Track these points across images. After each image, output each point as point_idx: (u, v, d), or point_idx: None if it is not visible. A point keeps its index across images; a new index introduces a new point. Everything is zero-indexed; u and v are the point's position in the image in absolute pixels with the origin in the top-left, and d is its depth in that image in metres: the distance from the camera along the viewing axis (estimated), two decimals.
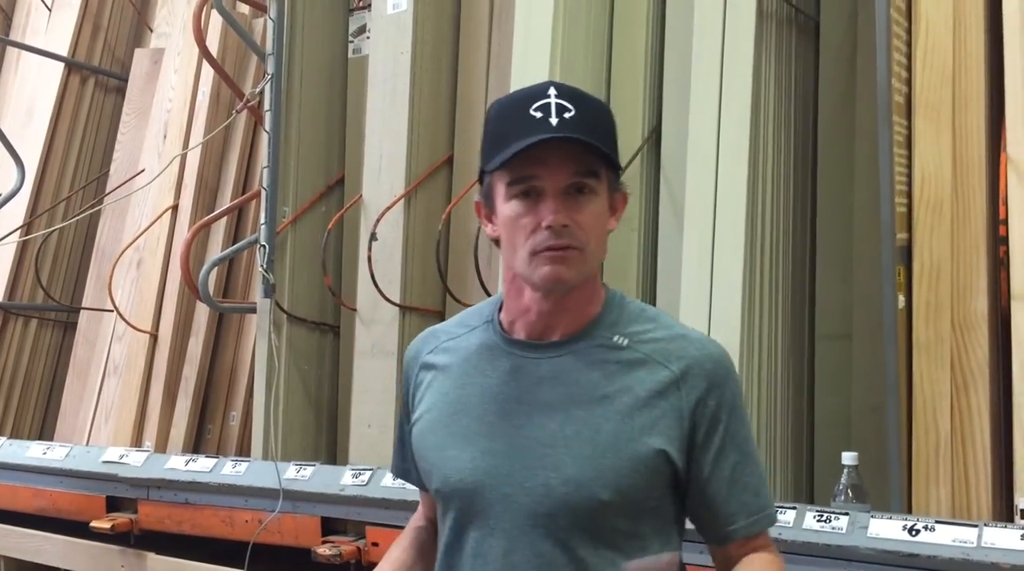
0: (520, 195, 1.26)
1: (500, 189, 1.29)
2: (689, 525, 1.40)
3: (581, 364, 1.31)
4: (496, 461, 1.30)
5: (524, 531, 1.28)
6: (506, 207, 1.28)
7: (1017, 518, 2.13)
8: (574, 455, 1.27)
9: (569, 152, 1.24)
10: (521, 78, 2.91)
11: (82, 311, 4.36)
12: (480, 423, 1.33)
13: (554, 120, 1.23)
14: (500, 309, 1.40)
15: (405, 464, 1.52)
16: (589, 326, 1.34)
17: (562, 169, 1.25)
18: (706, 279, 2.55)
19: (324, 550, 2.67)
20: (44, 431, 4.48)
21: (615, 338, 1.33)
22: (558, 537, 1.27)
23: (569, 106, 1.25)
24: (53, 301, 4.47)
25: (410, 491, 2.57)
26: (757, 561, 1.34)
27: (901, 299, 2.28)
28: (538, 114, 1.24)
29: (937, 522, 1.99)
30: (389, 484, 2.66)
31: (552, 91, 1.26)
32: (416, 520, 1.58)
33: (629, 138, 2.94)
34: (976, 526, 1.95)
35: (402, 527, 2.53)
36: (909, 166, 2.35)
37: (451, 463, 1.34)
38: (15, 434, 4.29)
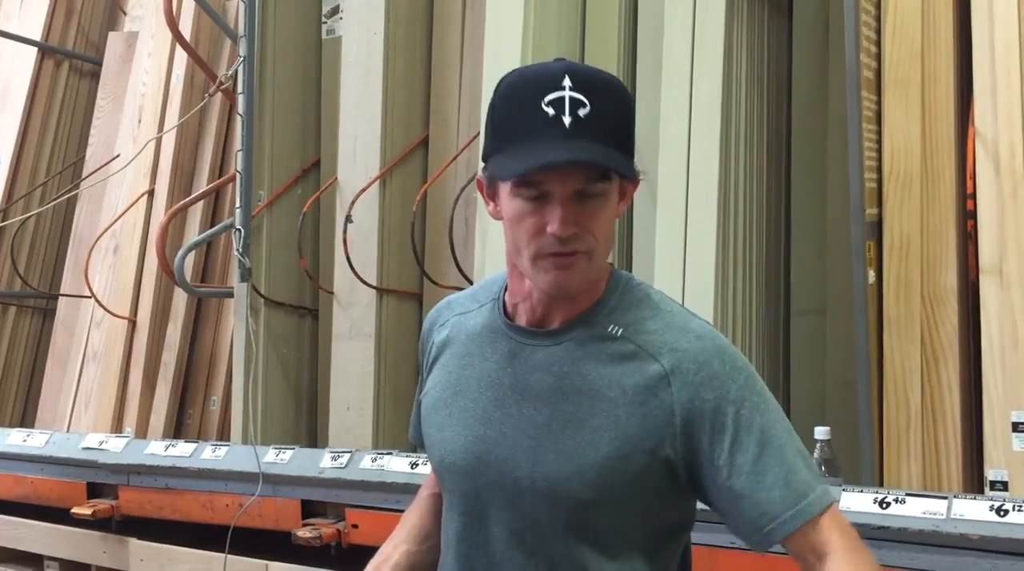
0: (525, 194, 1.20)
1: (504, 185, 1.23)
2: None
3: (574, 355, 1.27)
4: (486, 448, 1.29)
5: (508, 520, 1.28)
6: (511, 203, 1.22)
7: (987, 490, 2.16)
8: (557, 451, 1.23)
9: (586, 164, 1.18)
10: (494, 59, 2.90)
11: (60, 298, 4.34)
12: (475, 407, 1.32)
13: (567, 119, 1.16)
14: (507, 287, 1.36)
15: (415, 431, 1.50)
16: (587, 313, 1.28)
17: (573, 176, 1.17)
18: (679, 256, 2.55)
19: (304, 533, 2.67)
20: (25, 418, 4.46)
21: (610, 328, 1.27)
22: (540, 530, 1.26)
23: (584, 99, 1.17)
24: (30, 288, 4.45)
25: (388, 473, 2.62)
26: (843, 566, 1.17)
27: (871, 274, 2.29)
28: (550, 111, 1.17)
29: (907, 494, 2.00)
30: (368, 466, 2.67)
31: (567, 82, 1.18)
32: (430, 487, 1.54)
33: None
34: (946, 498, 1.96)
35: (381, 509, 2.61)
36: (879, 142, 2.36)
37: (447, 444, 1.33)
38: None
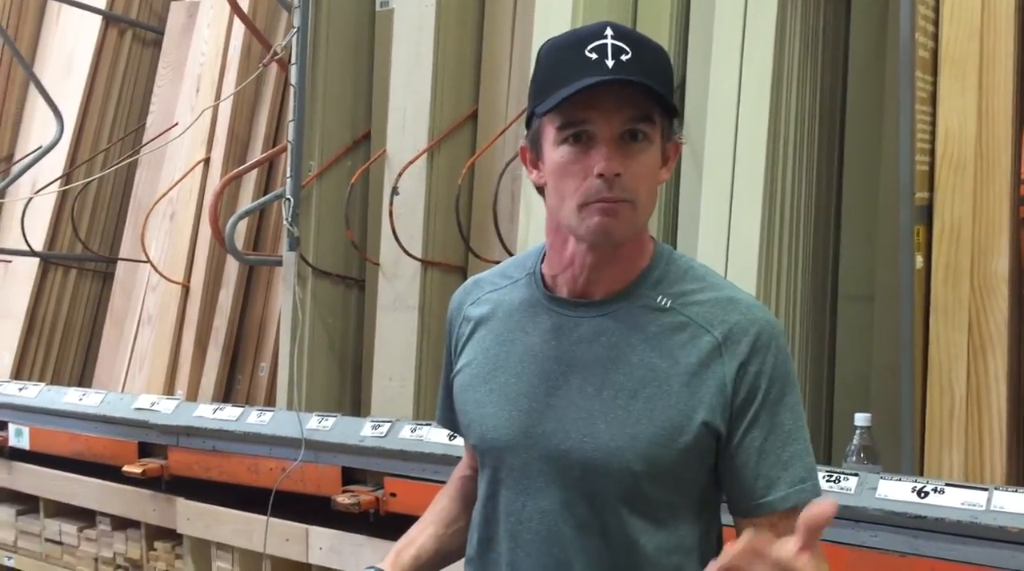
0: (571, 140, 1.20)
1: (549, 133, 1.22)
2: None
3: (622, 326, 1.26)
4: (532, 421, 1.29)
5: (558, 493, 1.27)
6: (555, 153, 1.21)
7: None
8: (608, 421, 1.24)
9: (624, 96, 1.18)
10: (544, 30, 2.88)
11: (119, 261, 4.45)
12: (519, 381, 1.31)
13: (610, 62, 1.17)
14: (543, 260, 1.36)
15: (449, 414, 1.49)
16: (633, 284, 1.29)
17: (617, 114, 1.18)
18: (723, 234, 2.52)
19: (344, 499, 2.72)
20: (84, 378, 4.60)
21: (659, 299, 1.27)
22: (591, 502, 1.26)
23: (626, 47, 1.18)
24: (91, 252, 4.56)
25: (427, 444, 2.64)
26: None
27: (920, 259, 2.24)
28: (593, 55, 1.17)
29: (947, 485, 1.96)
30: (407, 436, 2.70)
31: (609, 32, 1.19)
32: (462, 470, 1.56)
33: None
34: (986, 489, 1.92)
35: (419, 479, 2.64)
36: (933, 124, 2.29)
37: (489, 420, 1.33)
38: (55, 381, 4.41)
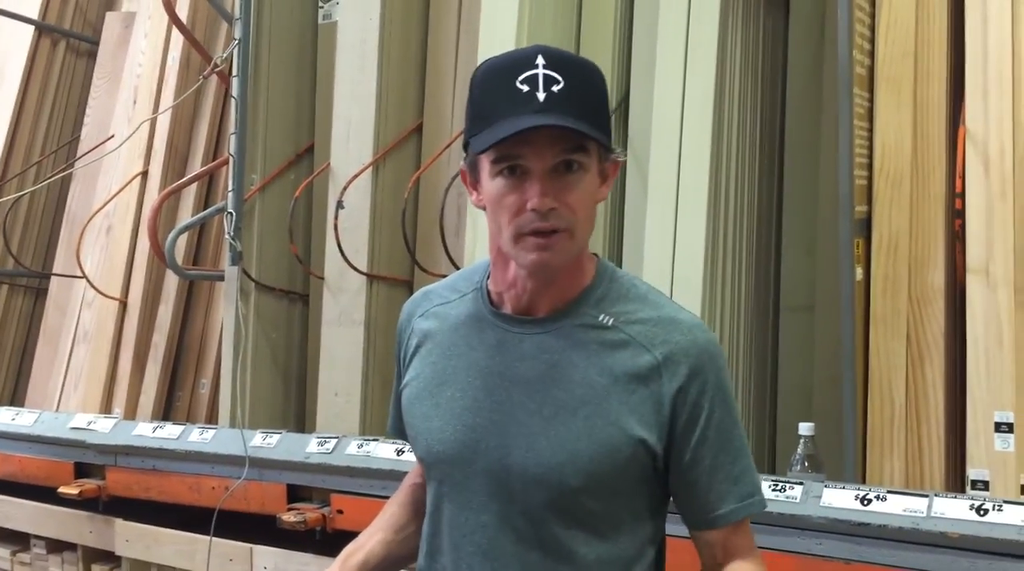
0: (505, 172, 1.21)
1: (485, 164, 1.24)
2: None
3: (564, 344, 1.28)
4: (476, 436, 1.30)
5: (499, 506, 1.29)
6: (491, 184, 1.23)
7: (968, 489, 2.16)
8: (549, 437, 1.26)
9: (556, 131, 1.19)
10: (489, 46, 2.89)
11: (52, 277, 4.34)
12: (463, 396, 1.33)
13: (541, 95, 1.18)
14: (489, 276, 1.37)
15: (400, 424, 1.50)
16: (575, 302, 1.30)
17: (549, 149, 1.19)
18: (669, 248, 2.55)
19: (289, 517, 2.68)
20: (16, 397, 4.47)
21: (600, 317, 1.29)
22: (531, 516, 1.28)
23: (557, 76, 1.19)
24: (23, 267, 4.45)
25: (374, 459, 2.62)
26: None
27: (859, 271, 2.29)
28: (525, 87, 1.19)
29: (889, 492, 2.01)
30: (354, 452, 2.68)
31: (540, 60, 1.20)
32: (412, 477, 1.56)
33: None
34: (927, 496, 1.97)
35: (367, 495, 2.62)
36: (870, 139, 2.36)
37: (434, 434, 1.34)
38: None
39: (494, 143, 1.18)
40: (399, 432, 1.51)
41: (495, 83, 1.23)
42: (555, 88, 1.19)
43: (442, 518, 1.36)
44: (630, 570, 1.31)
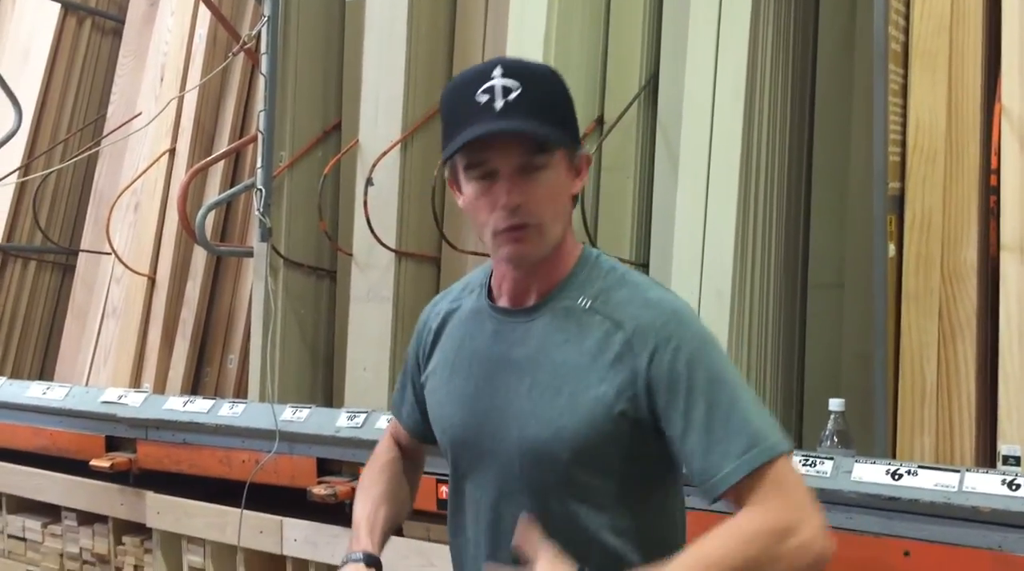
0: (477, 177, 1.32)
1: (460, 172, 1.36)
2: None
3: (548, 328, 1.38)
4: (480, 420, 1.42)
5: (505, 484, 1.40)
6: (467, 188, 1.35)
7: (999, 464, 2.17)
8: (537, 417, 1.35)
9: (516, 134, 1.28)
10: (518, 22, 2.89)
11: (80, 253, 4.37)
12: (467, 383, 1.45)
13: (499, 103, 1.28)
14: (492, 274, 1.48)
15: (396, 404, 1.68)
16: (557, 289, 1.40)
17: (512, 150, 1.29)
18: (699, 226, 2.56)
19: (320, 490, 2.71)
20: (44, 372, 4.52)
21: (580, 300, 1.38)
22: (533, 490, 1.37)
23: (513, 86, 1.28)
24: (52, 243, 4.48)
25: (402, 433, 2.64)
26: (734, 520, 1.23)
27: (892, 248, 2.29)
28: (484, 98, 1.29)
29: (920, 467, 2.01)
30: (383, 427, 2.69)
31: (497, 71, 1.30)
32: (391, 450, 1.69)
33: (626, 85, 2.93)
34: (958, 471, 1.98)
35: None
36: (904, 115, 2.34)
37: (447, 420, 1.48)
38: (15, 374, 4.32)
39: (457, 149, 1.29)
40: (397, 412, 1.67)
41: (458, 97, 1.33)
42: (511, 97, 1.28)
43: (463, 497, 1.47)
44: (643, 542, 1.37)
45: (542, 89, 1.32)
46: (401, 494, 1.62)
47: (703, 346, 1.33)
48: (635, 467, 1.36)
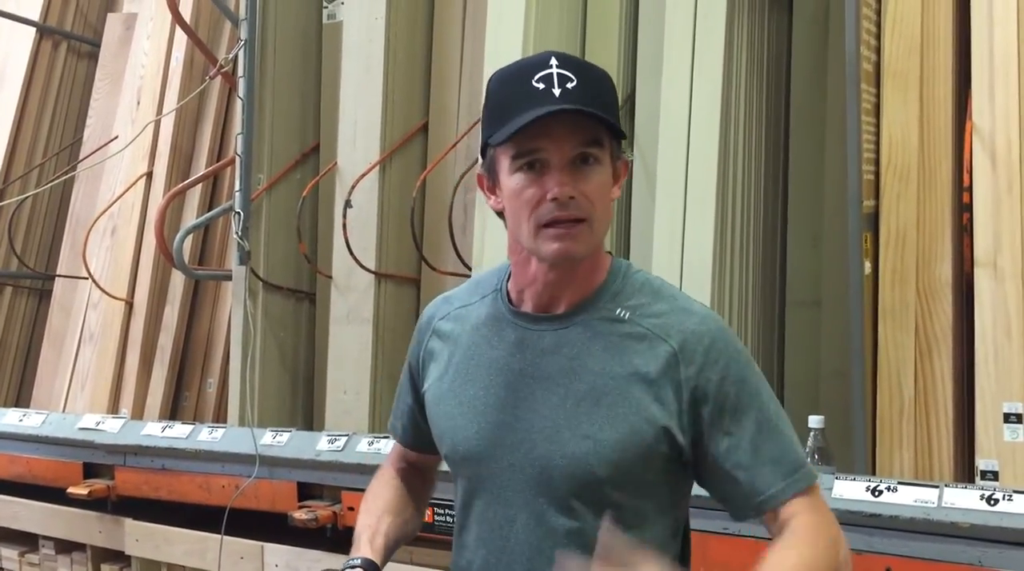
0: (525, 167, 1.25)
1: (504, 162, 1.28)
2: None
3: (583, 337, 1.31)
4: (501, 433, 1.33)
5: (527, 500, 1.31)
6: (511, 180, 1.27)
7: (977, 479, 2.18)
8: (572, 429, 1.28)
9: (574, 123, 1.23)
10: (495, 45, 2.91)
11: (57, 278, 4.34)
12: (487, 394, 1.35)
13: (557, 91, 1.22)
14: (508, 277, 1.40)
15: (394, 420, 1.56)
16: (592, 297, 1.33)
17: (567, 140, 1.23)
18: (677, 244, 2.57)
19: (301, 515, 2.69)
20: (20, 399, 4.47)
21: (617, 311, 1.32)
22: (559, 507, 1.30)
23: (571, 76, 1.24)
24: (27, 268, 4.45)
25: (384, 456, 2.62)
26: (798, 530, 1.24)
27: (868, 265, 2.31)
28: (540, 85, 1.23)
29: (899, 483, 2.02)
30: (364, 450, 2.69)
31: (554, 61, 1.25)
32: (398, 461, 1.60)
33: None
34: (937, 487, 1.99)
35: None
36: (877, 134, 2.37)
37: (459, 432, 1.37)
38: None
39: (515, 132, 1.22)
40: (392, 428, 1.57)
41: (511, 85, 1.27)
42: (569, 85, 1.23)
43: (471, 513, 1.39)
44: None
45: (597, 84, 1.28)
46: (407, 509, 1.53)
47: (748, 366, 1.31)
48: (665, 488, 1.32)
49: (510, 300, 1.39)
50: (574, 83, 1.23)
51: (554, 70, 1.24)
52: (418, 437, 1.53)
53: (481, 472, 1.36)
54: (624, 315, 1.31)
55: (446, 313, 1.46)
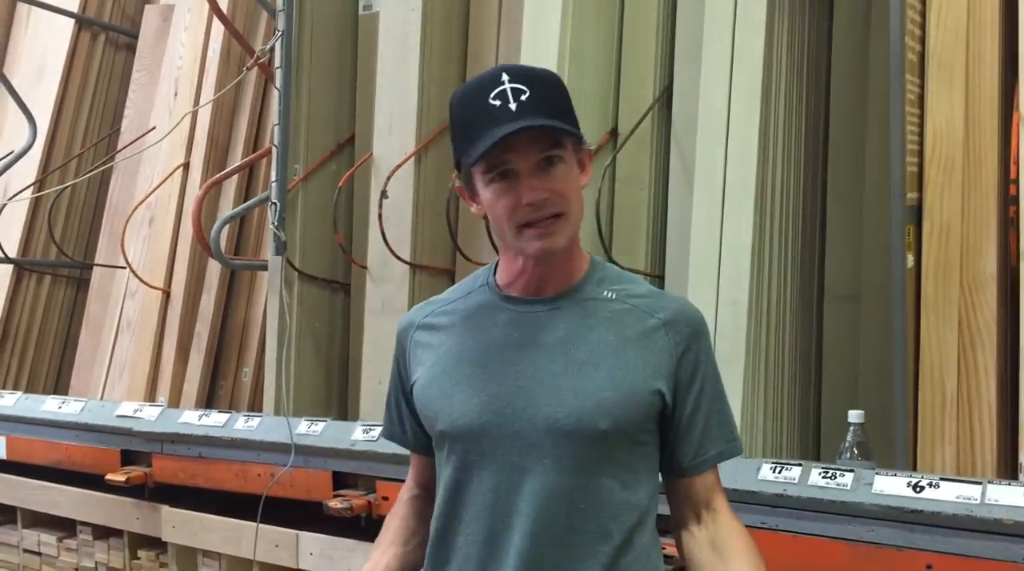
0: (497, 178, 1.36)
1: (478, 176, 1.38)
2: None
3: (576, 314, 1.43)
4: (504, 402, 1.41)
5: (531, 464, 1.39)
6: (487, 191, 1.38)
7: (1021, 475, 2.15)
8: (576, 390, 1.38)
9: (534, 133, 1.33)
10: (532, 35, 2.90)
11: (95, 268, 4.39)
12: (484, 371, 1.43)
13: (513, 105, 1.33)
14: (495, 273, 1.51)
15: (393, 427, 1.64)
16: (579, 283, 1.46)
17: (530, 149, 1.34)
18: (715, 238, 2.55)
19: (335, 503, 2.71)
20: (59, 386, 4.53)
21: (605, 293, 1.46)
22: (562, 466, 1.38)
23: (524, 88, 1.34)
24: (66, 257, 4.50)
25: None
26: (743, 551, 1.45)
27: (910, 258, 2.28)
28: (497, 102, 1.34)
29: (941, 479, 2.00)
30: None
31: (505, 77, 1.36)
32: (410, 490, 1.66)
33: (640, 97, 2.93)
34: (980, 483, 1.96)
35: None
36: (921, 125, 2.34)
37: (459, 407, 1.43)
38: (30, 389, 4.34)
39: (482, 154, 1.32)
40: (391, 435, 1.65)
41: (470, 107, 1.37)
42: (523, 97, 1.34)
43: (470, 487, 1.43)
44: (643, 518, 1.44)
45: (549, 91, 1.38)
46: (412, 538, 1.59)
47: (711, 345, 1.51)
48: (652, 446, 1.45)
49: (499, 289, 1.48)
50: (527, 94, 1.34)
51: (507, 85, 1.35)
52: (422, 436, 1.56)
53: (483, 444, 1.42)
54: (611, 296, 1.46)
55: (428, 313, 1.54)
